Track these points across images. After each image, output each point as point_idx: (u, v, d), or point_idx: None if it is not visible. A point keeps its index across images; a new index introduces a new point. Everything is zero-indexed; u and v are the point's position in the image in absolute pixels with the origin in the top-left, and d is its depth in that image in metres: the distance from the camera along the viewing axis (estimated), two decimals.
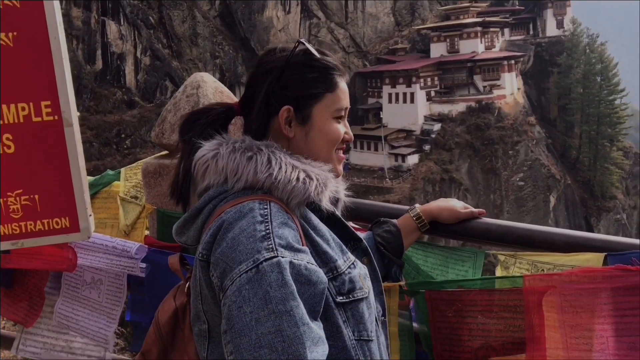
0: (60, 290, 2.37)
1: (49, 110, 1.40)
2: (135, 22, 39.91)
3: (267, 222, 1.18)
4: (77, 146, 1.47)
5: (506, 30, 48.45)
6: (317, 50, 1.40)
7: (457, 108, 43.45)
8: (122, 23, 39.60)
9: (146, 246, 2.13)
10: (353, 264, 1.31)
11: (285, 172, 1.25)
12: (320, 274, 1.19)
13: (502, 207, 42.30)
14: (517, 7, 50.23)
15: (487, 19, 45.16)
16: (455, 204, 1.78)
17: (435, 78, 43.99)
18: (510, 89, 44.10)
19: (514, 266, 1.69)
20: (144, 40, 40.16)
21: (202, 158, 1.30)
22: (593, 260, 1.56)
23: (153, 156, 2.31)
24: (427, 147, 41.73)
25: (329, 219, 1.35)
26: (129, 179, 2.48)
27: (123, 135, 37.98)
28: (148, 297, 2.14)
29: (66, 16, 36.89)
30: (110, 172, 2.60)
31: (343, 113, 1.41)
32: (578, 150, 47.57)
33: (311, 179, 1.27)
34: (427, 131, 42.44)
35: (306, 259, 1.17)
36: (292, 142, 1.35)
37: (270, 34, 43.47)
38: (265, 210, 1.20)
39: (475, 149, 42.17)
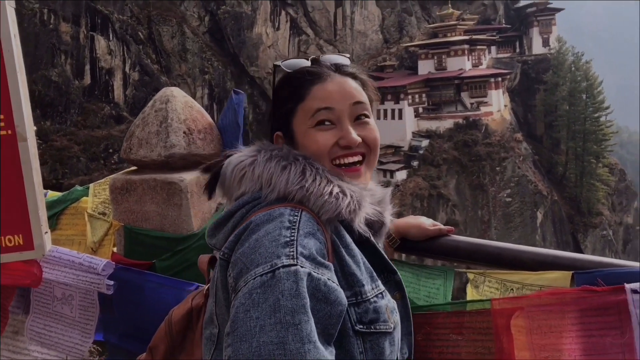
0: (27, 308, 2.31)
1: (2, 124, 1.36)
2: (124, 37, 39.89)
3: (293, 228, 1.13)
4: (32, 161, 1.43)
5: (493, 48, 48.91)
6: (311, 58, 1.37)
7: (444, 124, 43.66)
8: (111, 38, 39.56)
9: (113, 263, 2.09)
10: (382, 293, 1.22)
11: (319, 184, 1.21)
12: (341, 295, 1.10)
13: (490, 223, 42.39)
14: (504, 26, 50.77)
15: (474, 36, 45.57)
16: (424, 221, 1.75)
17: (423, 95, 44.23)
18: (497, 106, 44.40)
19: (484, 284, 1.66)
20: (133, 56, 40.13)
21: (240, 165, 1.28)
22: (560, 278, 1.54)
23: (121, 172, 2.28)
24: (415, 163, 41.83)
25: (364, 244, 1.26)
26: (97, 195, 2.44)
27: (111, 150, 37.77)
28: (117, 314, 2.10)
29: (54, 31, 36.85)
30: (78, 187, 2.56)
31: (326, 116, 1.30)
32: (564, 166, 47.89)
33: (345, 195, 1.22)
34: (415, 147, 42.57)
35: (327, 275, 1.10)
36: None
37: (260, 50, 43.61)
38: (295, 217, 1.15)
39: (463, 165, 42.33)
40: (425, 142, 42.57)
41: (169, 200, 2.00)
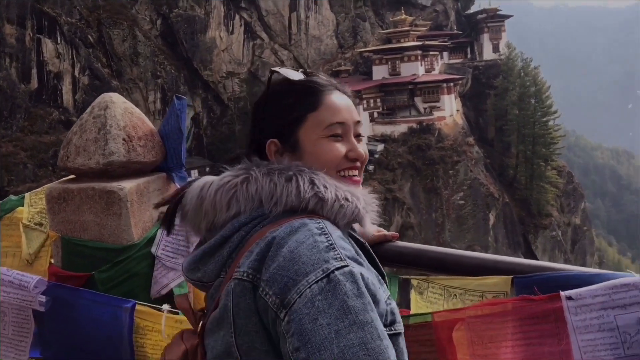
0: None
1: None
2: (73, 40, 38.89)
3: (326, 234, 1.10)
4: None
5: (445, 54, 49.85)
6: (302, 71, 1.35)
7: (399, 129, 44.21)
8: (59, 41, 38.51)
9: (45, 280, 2.00)
10: (389, 296, 1.23)
11: (331, 191, 1.19)
12: (382, 295, 1.12)
13: (444, 225, 43.10)
14: (455, 32, 51.81)
15: (427, 42, 46.33)
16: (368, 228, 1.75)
17: (378, 100, 44.68)
18: (449, 111, 45.23)
19: (428, 290, 1.67)
20: (83, 59, 39.15)
21: (227, 185, 1.21)
22: (501, 283, 1.56)
23: (57, 180, 2.19)
24: (371, 168, 42.17)
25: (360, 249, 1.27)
26: (33, 205, 2.34)
27: None
28: (48, 332, 2.01)
29: None
30: (13, 197, 2.45)
31: (339, 130, 1.31)
32: (515, 169, 49.11)
33: (357, 198, 1.22)
34: (370, 152, 42.86)
35: (371, 276, 1.10)
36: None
37: (214, 54, 43.24)
38: (320, 224, 1.13)
39: (417, 169, 42.93)
40: (380, 147, 43.00)
41: (107, 210, 1.93)
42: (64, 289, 1.94)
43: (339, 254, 1.07)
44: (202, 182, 1.26)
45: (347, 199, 1.19)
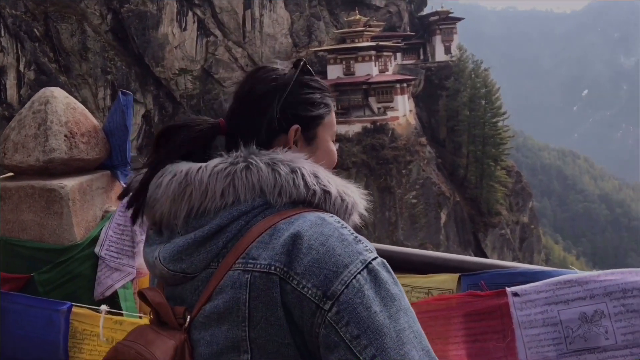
0: None
1: None
2: (17, 34, 37.59)
3: (346, 227, 1.13)
4: None
5: (398, 55, 50.38)
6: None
7: (353, 129, 44.48)
8: (2, 34, 37.17)
9: None
10: None
11: (334, 186, 1.21)
12: None
13: (397, 224, 43.61)
14: (408, 33, 52.41)
15: (381, 43, 46.74)
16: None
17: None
18: (403, 111, 45.77)
19: None
20: (28, 54, 37.90)
21: (225, 171, 1.17)
22: (448, 281, 1.57)
23: None
24: None
25: None
26: None
27: None
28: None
29: None
30: None
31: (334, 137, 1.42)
32: (465, 169, 50.05)
33: (353, 192, 1.25)
34: None
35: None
36: None
37: (166, 50, 42.54)
38: (335, 218, 1.15)
39: (371, 168, 43.30)
40: (335, 146, 43.15)
41: (48, 209, 1.85)
42: (6, 295, 1.84)
43: (367, 246, 1.11)
44: (184, 167, 1.20)
45: (347, 194, 1.22)
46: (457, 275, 1.56)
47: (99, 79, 40.07)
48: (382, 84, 45.33)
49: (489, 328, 1.48)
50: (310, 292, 1.06)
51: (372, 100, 45.55)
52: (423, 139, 46.89)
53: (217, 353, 1.13)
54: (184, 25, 43.70)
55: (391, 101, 45.30)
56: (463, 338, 1.51)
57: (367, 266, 1.07)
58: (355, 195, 1.24)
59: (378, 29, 49.32)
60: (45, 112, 1.95)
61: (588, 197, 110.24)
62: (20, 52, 37.44)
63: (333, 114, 1.40)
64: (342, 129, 44.07)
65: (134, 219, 1.26)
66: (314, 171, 1.20)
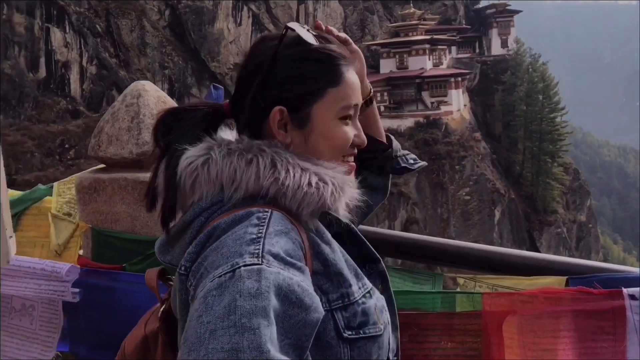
0: None
1: None
2: (81, 30, 38.88)
3: (262, 225, 0.98)
4: None
5: (453, 48, 49.61)
6: (315, 35, 1.17)
7: (405, 123, 44.09)
8: (67, 31, 38.50)
9: (79, 267, 1.95)
10: (369, 292, 1.09)
11: (294, 176, 1.05)
12: (317, 300, 0.94)
13: (449, 220, 43.06)
14: (464, 26, 51.53)
15: (435, 36, 46.09)
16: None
17: (385, 93, 44.54)
18: (457, 106, 45.06)
19: (474, 289, 1.61)
20: (90, 49, 39.15)
21: (190, 167, 1.08)
22: (554, 284, 1.50)
23: (88, 170, 2.15)
24: None
25: (342, 236, 1.12)
26: (62, 195, 2.29)
27: (67, 146, 36.80)
28: (84, 324, 1.96)
29: (8, 22, 35.61)
30: (41, 186, 2.40)
31: (352, 112, 1.16)
32: (521, 165, 48.95)
33: (326, 183, 1.07)
34: None
35: (300, 278, 0.93)
36: (289, 149, 1.13)
37: (221, 45, 43.18)
38: (265, 214, 1.01)
39: None
40: None
41: (141, 201, 1.88)
42: (98, 274, 1.89)
43: (258, 249, 0.93)
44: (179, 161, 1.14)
45: (310, 184, 1.05)
46: (564, 277, 1.49)
47: (156, 74, 41.05)
48: (435, 77, 44.74)
49: (599, 328, 1.42)
50: (192, 292, 0.97)
51: (425, 95, 45.01)
52: (477, 134, 46.06)
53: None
54: (239, 20, 44.26)
55: (445, 95, 44.65)
56: (571, 335, 1.44)
57: (234, 270, 0.89)
58: (329, 185, 1.07)
59: (433, 22, 48.66)
60: (137, 106, 1.99)
61: None
62: (83, 48, 38.73)
63: (345, 87, 1.15)
64: (395, 124, 43.74)
65: (169, 219, 1.16)
66: (273, 159, 1.07)
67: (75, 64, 38.56)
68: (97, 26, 39.54)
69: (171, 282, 1.24)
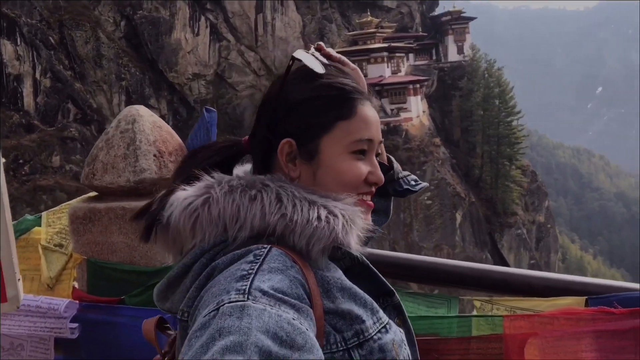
0: None
1: None
2: (33, 42, 37.95)
3: (256, 262, 0.93)
4: (1, 197, 1.22)
5: (411, 56, 50.29)
6: (326, 64, 1.13)
7: None
8: (18, 43, 37.52)
9: (76, 302, 1.86)
10: (385, 327, 1.02)
11: (302, 210, 0.99)
12: (313, 341, 0.84)
13: (412, 225, 43.49)
14: (421, 34, 52.32)
15: (393, 44, 46.66)
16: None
17: None
18: (416, 112, 45.65)
19: (491, 312, 1.60)
20: (44, 62, 38.24)
21: (189, 208, 1.02)
22: (574, 304, 1.51)
23: (80, 198, 2.06)
24: None
25: (351, 269, 1.07)
26: (52, 225, 2.19)
27: (21, 161, 35.81)
28: (85, 357, 1.87)
29: None
30: (29, 217, 2.29)
31: (365, 146, 1.10)
32: (480, 169, 49.85)
33: (336, 216, 1.00)
34: None
35: (292, 316, 0.85)
36: (294, 182, 1.08)
37: (179, 55, 42.78)
38: (262, 251, 0.95)
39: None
40: None
41: (139, 230, 1.81)
42: (98, 309, 1.80)
43: (245, 285, 0.88)
44: (174, 201, 1.07)
45: (320, 218, 0.99)
46: (583, 298, 1.50)
47: (113, 85, 40.39)
48: (394, 85, 45.25)
49: (621, 348, 1.43)
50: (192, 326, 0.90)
51: (385, 102, 45.46)
52: (437, 140, 46.71)
53: None
54: (196, 30, 43.95)
55: (404, 102, 45.19)
56: (594, 355, 1.44)
57: (219, 309, 0.85)
58: (339, 219, 1.01)
59: (390, 30, 49.25)
60: (133, 132, 1.91)
61: (604, 195, 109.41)
62: (36, 60, 37.79)
63: (357, 121, 1.09)
64: None
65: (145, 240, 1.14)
66: (278, 194, 1.01)
67: (28, 76, 37.58)
68: (50, 38, 38.67)
69: (170, 332, 1.20)
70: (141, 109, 1.99)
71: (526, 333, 1.49)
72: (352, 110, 1.10)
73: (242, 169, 1.17)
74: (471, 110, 49.41)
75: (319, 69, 1.10)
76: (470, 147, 50.83)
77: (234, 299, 0.85)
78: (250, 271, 0.91)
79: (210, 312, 0.85)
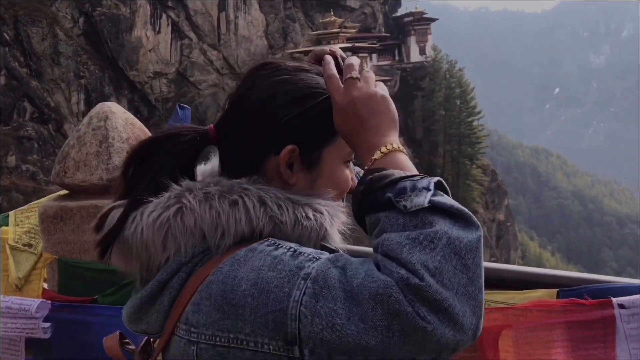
0: None
1: None
2: None
3: (282, 245, 0.90)
4: None
5: (374, 56, 50.65)
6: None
7: None
8: None
9: (49, 302, 1.82)
10: None
11: (288, 210, 0.97)
12: None
13: None
14: (383, 34, 52.72)
15: (356, 44, 46.94)
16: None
17: None
18: None
19: None
20: None
21: (158, 221, 0.94)
22: (546, 297, 1.56)
23: (50, 197, 2.02)
24: None
25: None
26: (19, 224, 2.14)
27: None
28: (57, 357, 1.84)
29: None
30: None
31: (352, 156, 1.10)
32: (442, 168, 50.52)
33: (321, 213, 0.99)
34: None
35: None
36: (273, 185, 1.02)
37: (140, 53, 42.15)
38: (270, 241, 0.92)
39: None
40: None
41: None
42: (71, 308, 1.76)
43: (309, 255, 0.88)
44: (137, 217, 0.99)
45: (307, 217, 0.97)
46: (554, 290, 1.55)
47: (71, 84, 39.54)
48: None
49: (590, 338, 1.48)
50: (269, 347, 0.85)
51: None
52: (400, 139, 47.17)
53: None
54: (157, 28, 43.37)
55: None
56: (565, 344, 1.50)
57: (311, 279, 0.84)
58: (325, 215, 1.00)
59: (353, 30, 49.51)
60: (105, 129, 1.88)
61: (561, 194, 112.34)
62: None
63: None
64: None
65: (101, 257, 1.03)
66: (260, 197, 0.97)
67: None
68: (5, 34, 37.62)
69: (131, 347, 1.14)
70: (113, 106, 1.96)
71: (500, 325, 1.53)
72: None
73: (205, 169, 1.10)
74: (433, 110, 50.09)
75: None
76: (432, 147, 51.53)
77: (314, 265, 0.86)
78: (291, 250, 0.90)
79: (304, 292, 0.83)
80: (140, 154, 1.03)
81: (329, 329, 0.80)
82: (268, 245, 0.91)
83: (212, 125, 1.08)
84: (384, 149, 1.00)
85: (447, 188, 0.94)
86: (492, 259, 47.23)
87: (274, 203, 0.96)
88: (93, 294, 1.88)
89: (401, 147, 1.02)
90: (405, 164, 0.99)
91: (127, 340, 1.15)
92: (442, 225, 0.84)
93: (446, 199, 0.89)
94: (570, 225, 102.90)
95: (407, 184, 0.90)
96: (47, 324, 1.77)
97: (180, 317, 0.92)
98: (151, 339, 1.09)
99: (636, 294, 1.44)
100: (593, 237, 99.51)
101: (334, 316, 0.80)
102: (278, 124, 1.02)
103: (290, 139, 1.03)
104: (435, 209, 0.87)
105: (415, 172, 0.96)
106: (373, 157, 0.99)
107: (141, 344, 1.11)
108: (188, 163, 1.05)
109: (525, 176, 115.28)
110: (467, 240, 0.83)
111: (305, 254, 0.88)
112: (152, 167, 1.01)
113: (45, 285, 2.02)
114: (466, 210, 0.89)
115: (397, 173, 0.93)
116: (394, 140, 1.03)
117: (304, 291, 0.82)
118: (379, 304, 0.80)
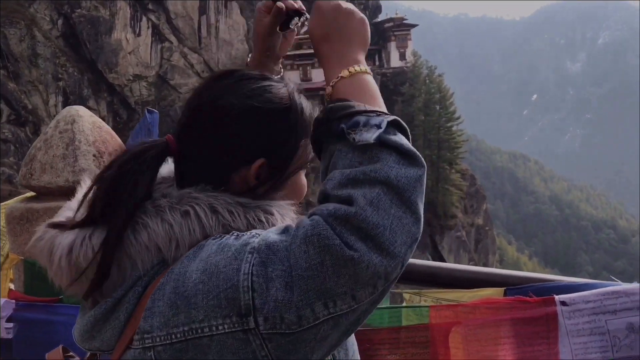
0: None
1: None
2: None
3: (226, 234, 0.91)
4: None
5: None
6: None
7: None
8: None
9: (12, 301, 1.85)
10: None
11: (239, 216, 0.96)
12: None
13: None
14: None
15: None
16: None
17: None
18: None
19: (420, 303, 1.71)
20: None
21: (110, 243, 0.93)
22: (494, 295, 1.63)
23: (17, 199, 2.04)
24: None
25: None
26: None
27: None
28: (17, 358, 1.86)
29: None
30: None
31: (308, 163, 1.11)
32: None
33: (272, 214, 1.00)
34: None
35: None
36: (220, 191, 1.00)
37: (120, 56, 41.83)
38: (220, 235, 0.93)
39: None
40: None
41: None
42: (34, 308, 1.79)
43: (253, 232, 0.90)
44: (65, 241, 0.99)
45: (259, 220, 0.98)
46: (502, 289, 1.62)
47: (50, 86, 39.07)
48: None
49: (535, 334, 1.56)
50: (224, 327, 0.84)
51: None
52: None
53: None
54: (137, 30, 43.09)
55: None
56: (511, 341, 1.57)
57: (257, 250, 0.85)
58: (276, 216, 1.00)
59: None
60: (72, 132, 1.91)
61: (539, 199, 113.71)
62: None
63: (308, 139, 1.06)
64: None
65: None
66: (211, 204, 0.96)
67: None
68: None
69: (75, 358, 1.16)
70: (81, 110, 1.99)
71: (450, 322, 1.60)
72: (309, 128, 1.05)
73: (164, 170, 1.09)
74: (413, 116, 50.39)
75: (296, 90, 1.11)
76: None
77: (257, 239, 0.87)
78: (236, 234, 0.90)
79: (252, 263, 0.83)
80: (110, 180, 0.99)
81: (283, 289, 0.81)
82: (213, 239, 0.91)
83: (170, 136, 1.05)
84: (352, 69, 1.00)
85: (407, 129, 0.96)
86: (471, 263, 47.59)
87: (225, 209, 0.96)
88: (58, 294, 1.91)
89: (369, 70, 1.01)
90: (369, 88, 1.00)
91: (71, 353, 1.15)
92: (385, 163, 0.87)
93: (397, 138, 0.91)
94: (547, 230, 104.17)
95: (362, 118, 0.92)
96: (10, 324, 1.79)
97: (136, 330, 0.90)
98: (97, 354, 1.06)
99: (578, 291, 1.51)
100: (569, 241, 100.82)
101: (285, 276, 0.82)
102: (248, 137, 1.02)
103: (263, 151, 1.03)
104: (385, 145, 0.89)
105: (377, 104, 0.98)
106: (340, 75, 1.01)
107: (85, 358, 1.10)
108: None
109: (503, 181, 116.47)
110: (406, 178, 0.86)
111: (249, 233, 0.90)
112: (130, 193, 0.97)
113: (12, 286, 2.05)
114: (414, 150, 0.92)
115: (357, 106, 0.94)
116: (363, 61, 1.04)
117: (252, 262, 0.83)
118: (310, 245, 0.82)
